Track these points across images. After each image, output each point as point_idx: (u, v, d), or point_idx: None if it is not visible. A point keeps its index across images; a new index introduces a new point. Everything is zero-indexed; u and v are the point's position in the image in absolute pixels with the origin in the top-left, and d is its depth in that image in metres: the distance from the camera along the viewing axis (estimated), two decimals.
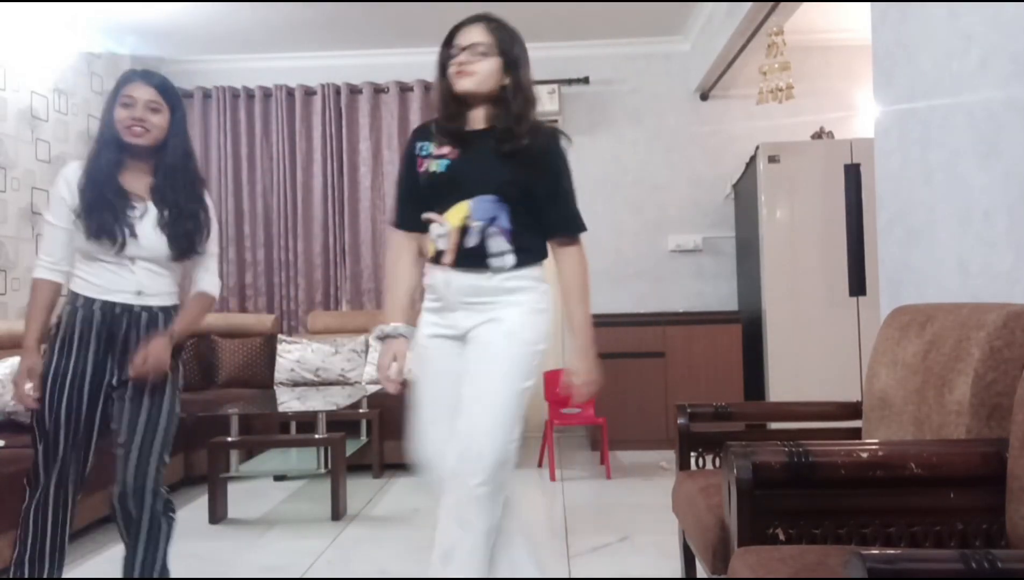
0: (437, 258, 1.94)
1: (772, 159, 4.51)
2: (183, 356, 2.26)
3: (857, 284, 4.40)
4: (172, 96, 2.16)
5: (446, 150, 1.95)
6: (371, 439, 4.26)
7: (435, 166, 1.95)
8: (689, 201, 5.36)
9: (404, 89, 5.33)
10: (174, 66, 5.36)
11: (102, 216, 2.06)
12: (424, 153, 1.98)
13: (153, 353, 2.06)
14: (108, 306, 2.10)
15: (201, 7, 4.53)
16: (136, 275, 2.12)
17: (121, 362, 2.11)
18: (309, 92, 5.42)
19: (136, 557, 2.13)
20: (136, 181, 2.14)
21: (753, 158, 4.70)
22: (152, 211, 2.12)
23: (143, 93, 2.10)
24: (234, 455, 3.65)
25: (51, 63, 4.50)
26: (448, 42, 1.94)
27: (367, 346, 4.88)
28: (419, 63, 5.16)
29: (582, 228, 1.98)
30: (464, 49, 1.89)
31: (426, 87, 5.26)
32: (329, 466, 3.53)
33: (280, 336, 4.93)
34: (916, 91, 2.25)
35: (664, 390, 4.78)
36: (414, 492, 3.87)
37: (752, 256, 4.76)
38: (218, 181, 5.39)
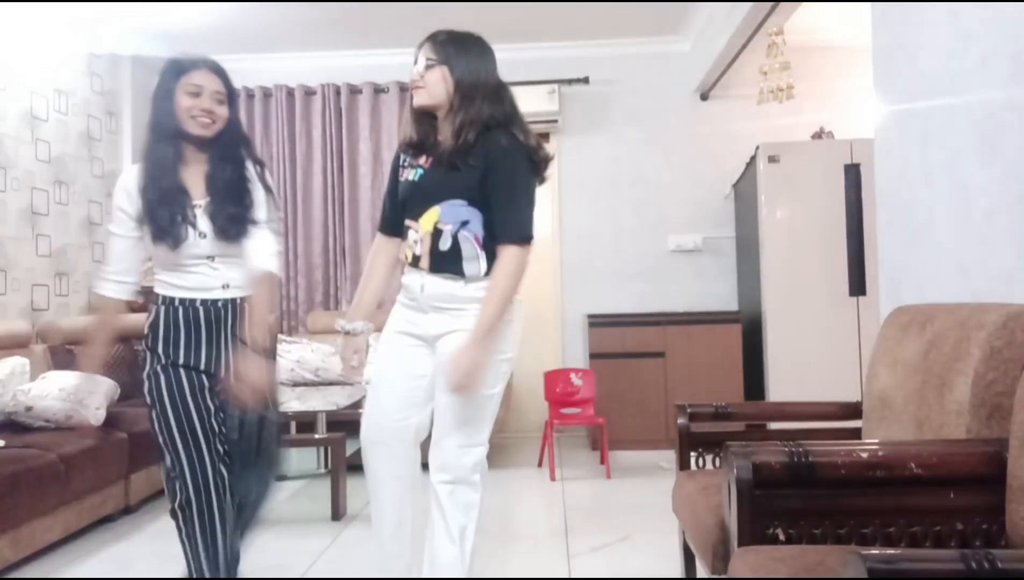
0: (415, 263, 2.05)
1: (772, 159, 4.51)
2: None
3: (857, 284, 4.40)
4: (232, 85, 2.10)
5: (422, 160, 2.07)
6: None
7: (411, 175, 2.08)
8: (689, 201, 5.35)
9: (404, 89, 5.32)
10: None
11: (166, 219, 2.00)
12: (405, 164, 2.12)
13: (246, 379, 1.94)
14: (196, 305, 2.07)
15: (201, 7, 4.53)
16: (219, 270, 2.08)
17: (219, 358, 2.10)
18: (309, 92, 5.42)
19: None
20: (195, 175, 2.07)
21: (753, 158, 4.69)
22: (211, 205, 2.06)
23: (210, 83, 2.02)
24: None
25: (51, 63, 4.50)
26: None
27: (368, 346, 4.87)
28: None
29: (519, 235, 1.95)
30: (419, 67, 2.01)
31: None
32: (329, 466, 3.53)
33: (280, 336, 4.93)
34: (916, 91, 2.25)
35: (664, 390, 4.78)
36: None
37: (752, 256, 4.76)
38: None
